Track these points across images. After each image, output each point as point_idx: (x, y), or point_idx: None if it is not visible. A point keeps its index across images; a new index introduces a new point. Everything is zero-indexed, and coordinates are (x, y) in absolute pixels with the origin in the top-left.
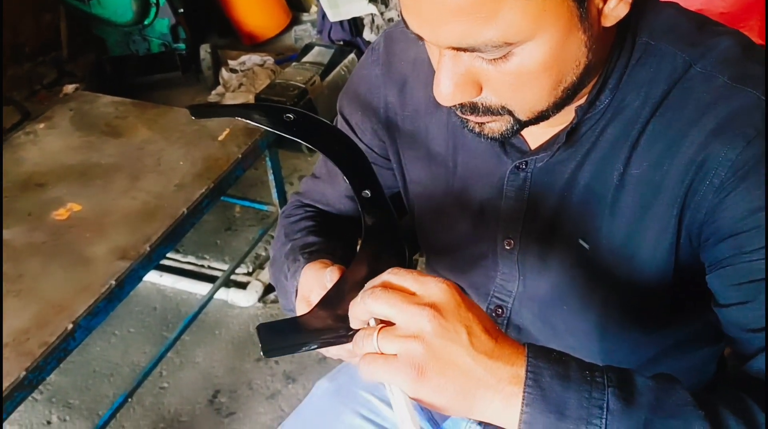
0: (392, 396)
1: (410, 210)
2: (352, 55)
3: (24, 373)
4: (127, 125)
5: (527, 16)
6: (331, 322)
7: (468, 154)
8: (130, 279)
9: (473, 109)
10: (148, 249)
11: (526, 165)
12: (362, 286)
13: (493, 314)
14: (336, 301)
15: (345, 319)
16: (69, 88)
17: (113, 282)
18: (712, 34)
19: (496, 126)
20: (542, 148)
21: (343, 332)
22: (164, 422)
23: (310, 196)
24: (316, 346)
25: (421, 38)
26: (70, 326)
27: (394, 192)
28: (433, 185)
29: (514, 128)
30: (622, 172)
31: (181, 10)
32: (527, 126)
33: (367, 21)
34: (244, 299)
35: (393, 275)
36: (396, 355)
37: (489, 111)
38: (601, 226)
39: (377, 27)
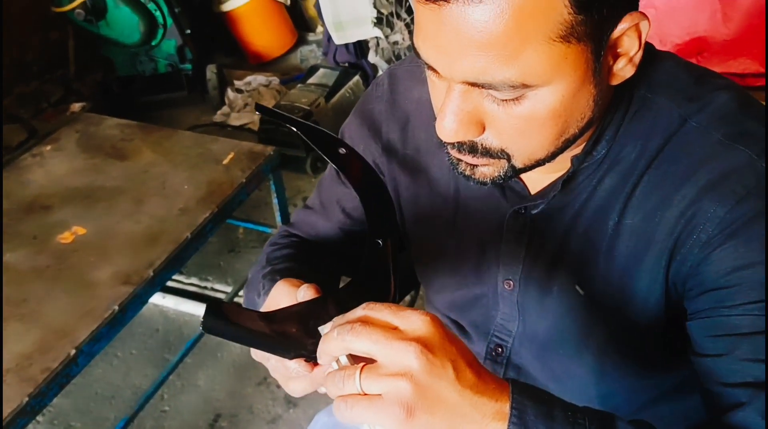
0: None
1: (407, 246)
2: (356, 78)
3: (26, 399)
4: (132, 148)
5: (549, 60)
6: (283, 333)
7: (470, 195)
8: (133, 304)
9: (472, 149)
10: (152, 274)
11: (525, 210)
12: (329, 314)
13: (493, 353)
14: (300, 316)
15: (301, 336)
16: (76, 106)
17: (116, 307)
18: (710, 88)
19: (488, 171)
20: (539, 194)
21: (290, 349)
22: None
23: (299, 228)
24: (257, 347)
25: (432, 69)
26: (73, 352)
27: None
28: (434, 224)
29: (507, 174)
30: (617, 222)
31: (188, 32)
32: (520, 173)
33: (372, 44)
34: None
35: (370, 310)
36: (380, 395)
37: (488, 153)
38: (596, 273)
39: (382, 50)
